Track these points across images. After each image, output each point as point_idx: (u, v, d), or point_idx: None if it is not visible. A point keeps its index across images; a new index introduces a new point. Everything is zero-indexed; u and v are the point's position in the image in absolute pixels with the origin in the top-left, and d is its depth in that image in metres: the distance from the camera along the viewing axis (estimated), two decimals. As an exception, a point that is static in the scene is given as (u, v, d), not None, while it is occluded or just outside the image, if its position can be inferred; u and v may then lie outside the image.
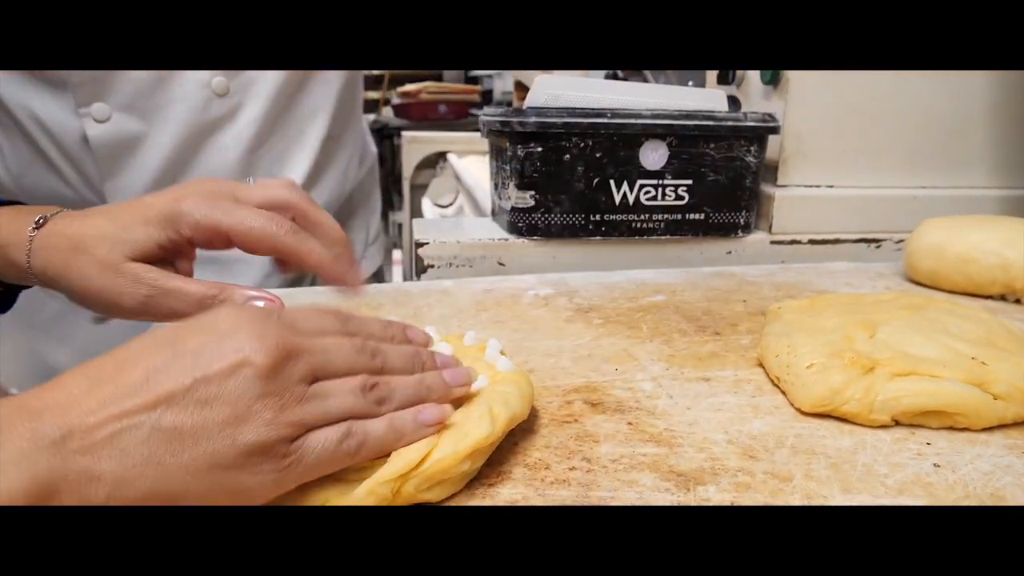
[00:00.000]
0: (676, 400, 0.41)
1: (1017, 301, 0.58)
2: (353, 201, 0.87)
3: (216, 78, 0.66)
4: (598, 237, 0.69)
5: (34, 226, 0.43)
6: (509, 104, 2.50)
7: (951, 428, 0.37)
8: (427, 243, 0.68)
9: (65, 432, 0.24)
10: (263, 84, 0.69)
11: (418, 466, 0.30)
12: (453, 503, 0.31)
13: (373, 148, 0.94)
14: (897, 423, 0.38)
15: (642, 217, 0.69)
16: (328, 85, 0.75)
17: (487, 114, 0.70)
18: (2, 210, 0.45)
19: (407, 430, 0.31)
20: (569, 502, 0.31)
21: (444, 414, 0.32)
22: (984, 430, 0.37)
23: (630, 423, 0.38)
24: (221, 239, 0.41)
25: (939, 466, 0.34)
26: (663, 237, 0.71)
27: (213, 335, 0.27)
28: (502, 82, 3.09)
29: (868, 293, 0.54)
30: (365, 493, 0.30)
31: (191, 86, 0.66)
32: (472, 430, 0.32)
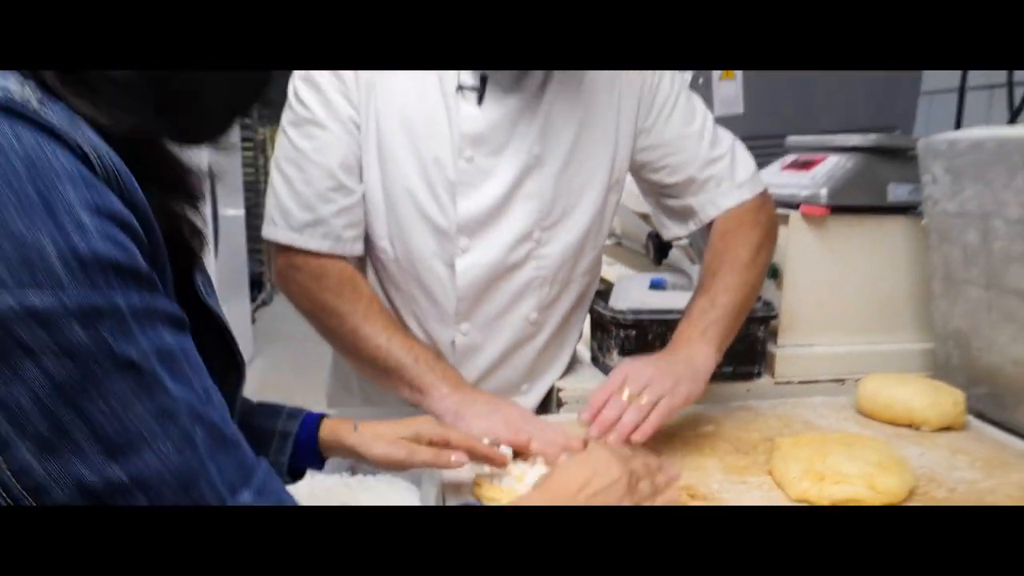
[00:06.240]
0: (727, 490, 0.83)
1: (918, 429, 1.00)
2: None
3: None
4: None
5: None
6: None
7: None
8: (564, 389, 1.10)
9: None
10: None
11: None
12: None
13: None
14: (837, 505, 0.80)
15: (694, 369, 1.12)
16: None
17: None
18: None
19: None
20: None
21: None
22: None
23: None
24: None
25: (852, 526, 0.76)
26: (707, 381, 1.13)
27: None
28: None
29: (828, 427, 0.97)
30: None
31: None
32: None
